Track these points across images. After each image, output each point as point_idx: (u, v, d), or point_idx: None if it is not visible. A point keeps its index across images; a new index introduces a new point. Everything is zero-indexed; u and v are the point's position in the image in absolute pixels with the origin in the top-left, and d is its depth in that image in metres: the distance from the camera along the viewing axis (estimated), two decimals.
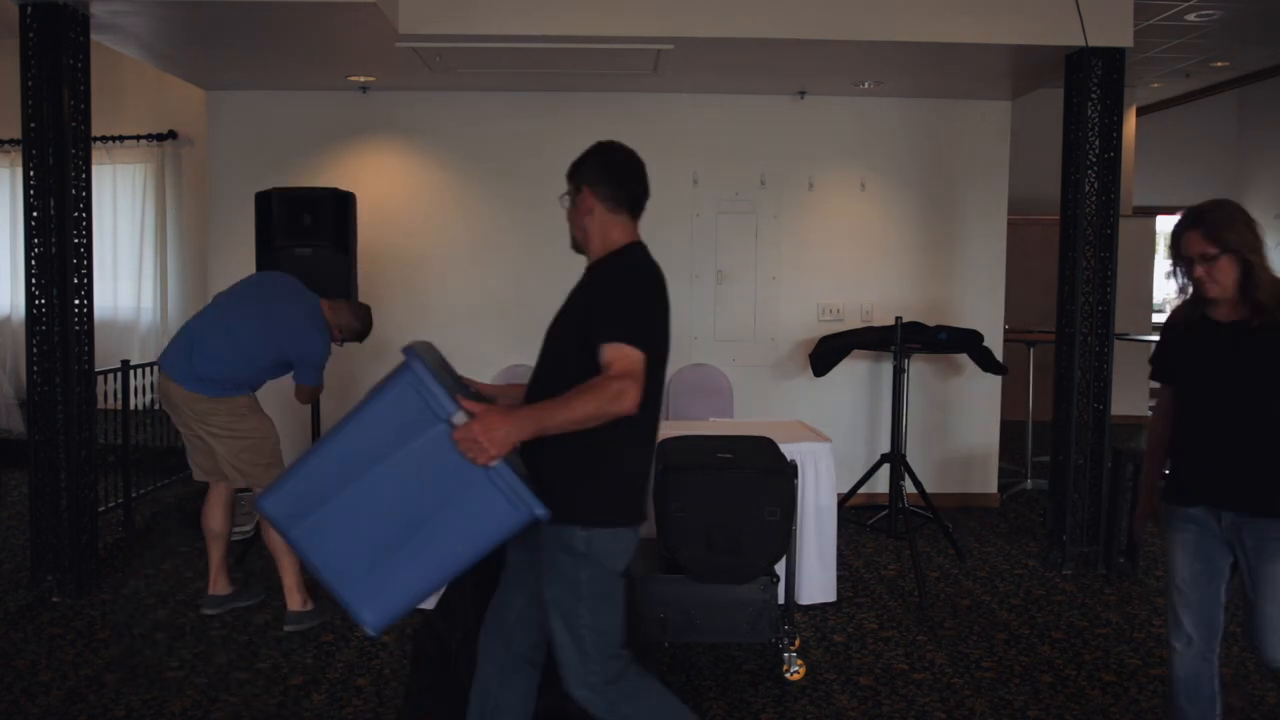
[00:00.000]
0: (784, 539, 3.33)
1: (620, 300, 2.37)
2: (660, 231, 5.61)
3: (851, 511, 5.25)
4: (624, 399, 2.12)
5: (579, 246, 2.53)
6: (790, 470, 3.35)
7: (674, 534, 3.27)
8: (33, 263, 3.95)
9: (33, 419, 4.01)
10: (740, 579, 3.35)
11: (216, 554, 3.93)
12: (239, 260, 5.24)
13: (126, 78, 6.92)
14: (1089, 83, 4.46)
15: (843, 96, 5.61)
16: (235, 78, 5.31)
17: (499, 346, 5.65)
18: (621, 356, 2.20)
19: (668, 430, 4.23)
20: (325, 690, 3.23)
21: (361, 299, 5.09)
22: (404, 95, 5.55)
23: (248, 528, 4.96)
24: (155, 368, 5.49)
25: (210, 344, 3.71)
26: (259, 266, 4.34)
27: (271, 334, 3.77)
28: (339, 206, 4.29)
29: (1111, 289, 4.54)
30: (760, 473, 3.34)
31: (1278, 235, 10.13)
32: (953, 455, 5.84)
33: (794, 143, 5.65)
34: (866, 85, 5.37)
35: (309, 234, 4.25)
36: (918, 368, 5.72)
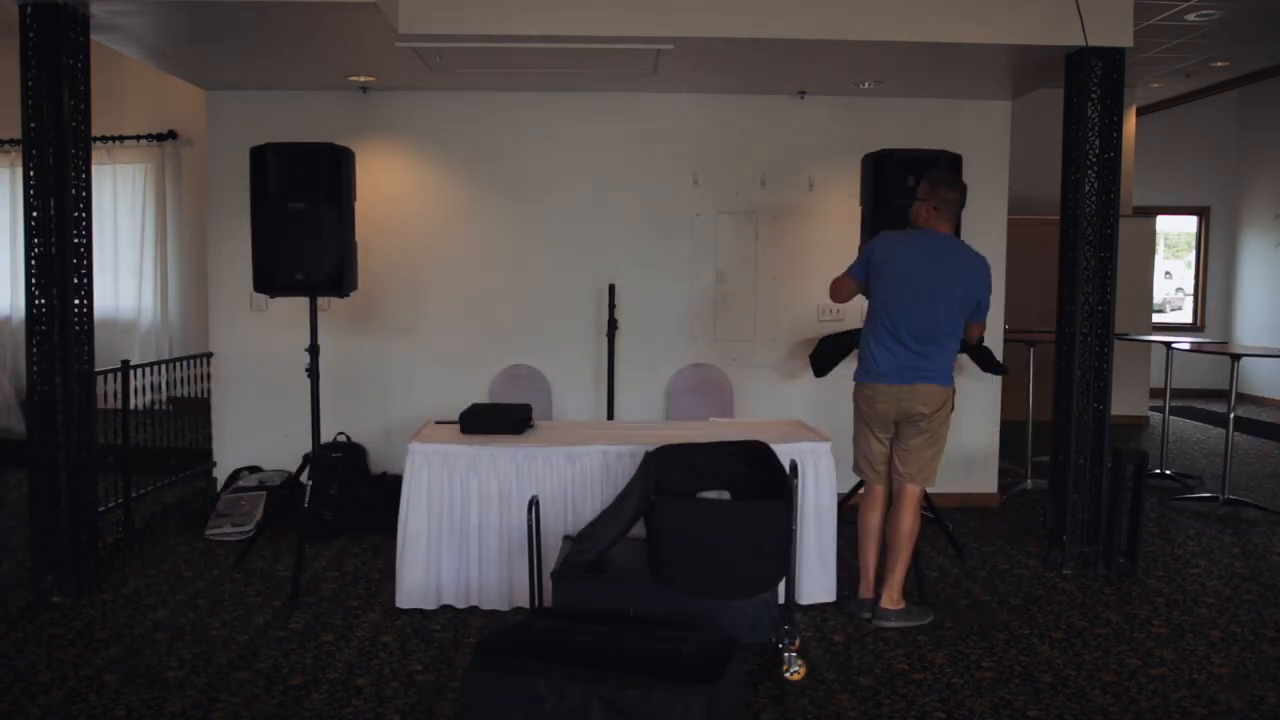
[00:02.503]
0: (782, 565, 3.31)
1: None
2: (660, 231, 5.67)
3: (851, 511, 5.24)
4: None
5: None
6: (788, 492, 3.33)
7: (665, 564, 3.25)
8: (33, 263, 3.95)
9: (33, 419, 4.01)
10: (738, 598, 3.36)
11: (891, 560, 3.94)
12: (239, 260, 5.26)
13: (126, 78, 6.94)
14: (1089, 83, 4.46)
15: (843, 96, 5.61)
16: (235, 78, 5.30)
17: (498, 346, 5.66)
18: None
19: (662, 434, 4.25)
20: (325, 690, 3.22)
21: (361, 295, 5.11)
22: (404, 95, 5.55)
23: (248, 528, 4.97)
24: (157, 368, 5.52)
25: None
26: (253, 221, 4.28)
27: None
28: (334, 161, 4.25)
29: (1111, 289, 4.54)
30: (755, 507, 3.33)
31: (1278, 235, 10.18)
32: (953, 455, 5.79)
33: (794, 143, 5.65)
34: (866, 85, 5.37)
35: (304, 188, 4.22)
36: None
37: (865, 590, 4.00)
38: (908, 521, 3.92)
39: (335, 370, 5.43)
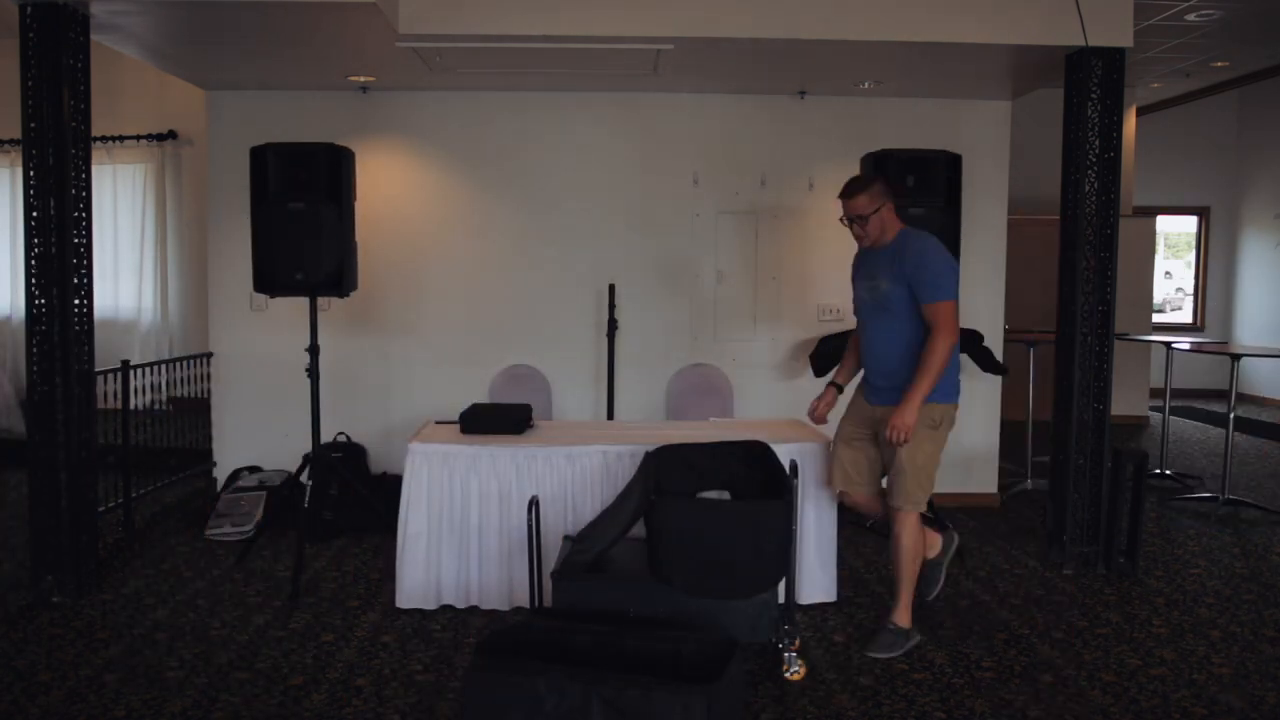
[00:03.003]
0: (782, 564, 3.32)
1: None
2: (660, 231, 5.67)
3: (851, 512, 5.25)
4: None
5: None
6: (787, 492, 3.33)
7: (665, 564, 3.25)
8: (33, 263, 3.95)
9: (33, 419, 4.01)
10: (738, 598, 3.36)
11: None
12: (239, 260, 5.26)
13: (126, 78, 6.94)
14: (1089, 83, 4.46)
15: (843, 96, 5.61)
16: (235, 78, 5.30)
17: (498, 346, 5.66)
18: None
19: (662, 434, 4.25)
20: (325, 690, 3.22)
21: (361, 295, 5.11)
22: (404, 95, 5.55)
23: (248, 528, 4.97)
24: (157, 368, 5.51)
25: None
26: (253, 221, 4.27)
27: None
28: (334, 161, 4.25)
29: (1111, 289, 4.54)
30: (755, 507, 3.33)
31: (1278, 235, 10.18)
32: (953, 455, 5.79)
33: (794, 143, 5.65)
34: (866, 85, 5.37)
35: (304, 188, 4.22)
36: None
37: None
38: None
39: (335, 370, 5.43)
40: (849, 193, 3.61)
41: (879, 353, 3.65)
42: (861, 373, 3.84)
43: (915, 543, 3.65)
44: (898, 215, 3.67)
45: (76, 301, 4.01)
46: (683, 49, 4.60)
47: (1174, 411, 8.45)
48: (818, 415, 3.95)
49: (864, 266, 3.74)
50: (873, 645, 3.60)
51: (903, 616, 3.65)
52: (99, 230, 5.59)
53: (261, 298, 5.48)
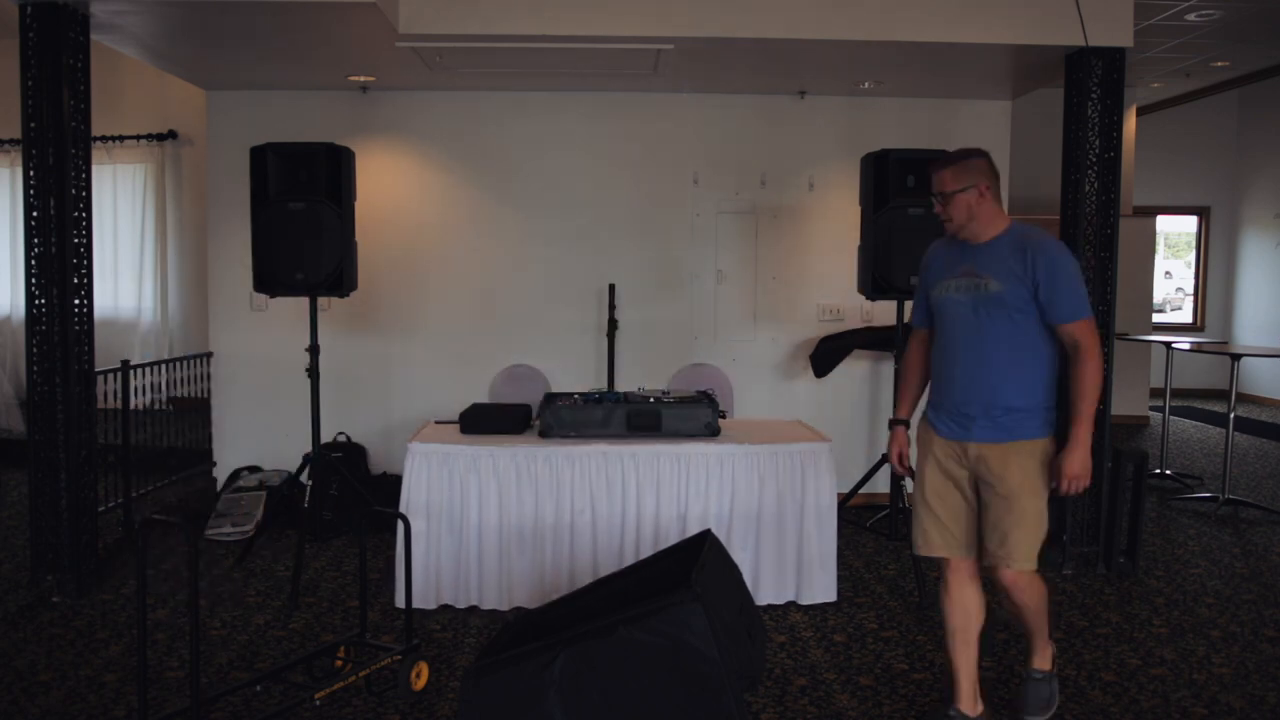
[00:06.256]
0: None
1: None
2: (660, 231, 5.67)
3: (851, 512, 5.25)
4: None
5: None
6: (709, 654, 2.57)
7: None
8: (33, 263, 3.95)
9: (33, 419, 4.02)
10: None
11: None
12: (239, 260, 5.25)
13: (126, 78, 6.94)
14: (1089, 83, 4.46)
15: (843, 96, 5.61)
16: (235, 78, 5.30)
17: (498, 346, 5.65)
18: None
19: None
20: (325, 690, 3.21)
21: (361, 295, 5.10)
22: (404, 95, 5.55)
23: (248, 528, 4.97)
24: (157, 367, 5.51)
25: None
26: (253, 221, 4.27)
27: None
28: (333, 161, 4.25)
29: (1111, 289, 4.54)
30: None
31: (1278, 235, 10.16)
32: None
33: (794, 143, 5.65)
34: (866, 85, 5.37)
35: (304, 189, 4.22)
36: None
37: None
38: None
39: (335, 370, 5.43)
40: (940, 163, 2.93)
41: (981, 376, 2.83)
42: (924, 403, 3.04)
43: (1040, 595, 2.99)
44: (983, 208, 2.89)
45: (76, 301, 4.01)
46: (683, 49, 4.60)
47: (1174, 411, 8.45)
48: (904, 466, 3.11)
49: (950, 263, 2.89)
50: (1026, 708, 3.03)
51: (1043, 659, 3.09)
52: (99, 230, 5.60)
53: (261, 298, 5.48)
